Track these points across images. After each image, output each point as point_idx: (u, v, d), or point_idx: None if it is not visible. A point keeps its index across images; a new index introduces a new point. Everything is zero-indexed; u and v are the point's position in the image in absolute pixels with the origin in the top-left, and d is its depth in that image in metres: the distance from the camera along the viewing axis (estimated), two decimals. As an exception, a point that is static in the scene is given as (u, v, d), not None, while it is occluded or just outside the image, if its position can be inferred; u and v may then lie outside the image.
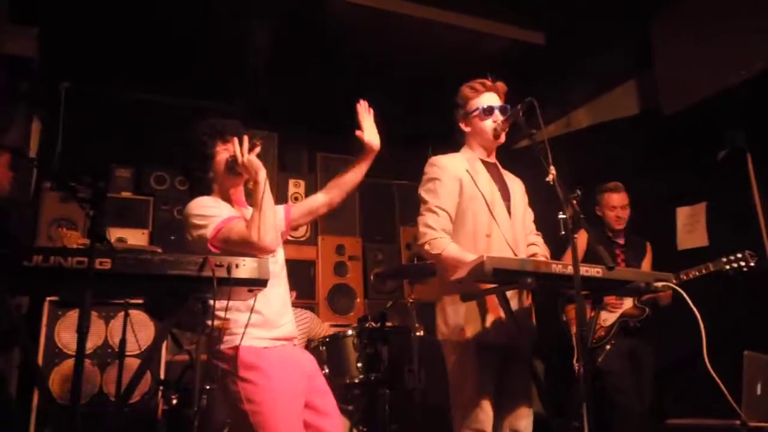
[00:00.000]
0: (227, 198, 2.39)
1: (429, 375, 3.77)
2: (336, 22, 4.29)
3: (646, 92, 4.76)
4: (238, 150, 2.27)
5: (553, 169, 2.23)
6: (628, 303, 3.65)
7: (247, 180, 2.38)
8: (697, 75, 4.07)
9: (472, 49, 4.57)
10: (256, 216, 2.17)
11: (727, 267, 3.30)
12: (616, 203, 3.90)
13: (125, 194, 4.88)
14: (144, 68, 4.94)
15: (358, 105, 2.52)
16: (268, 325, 2.24)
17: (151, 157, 5.13)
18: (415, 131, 5.72)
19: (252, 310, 2.13)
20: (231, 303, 2.12)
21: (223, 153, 2.36)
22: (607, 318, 3.69)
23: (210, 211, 2.23)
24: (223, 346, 2.17)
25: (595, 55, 4.80)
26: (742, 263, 3.27)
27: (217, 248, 2.17)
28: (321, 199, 2.57)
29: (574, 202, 2.18)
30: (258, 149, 2.29)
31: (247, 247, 2.14)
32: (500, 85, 2.73)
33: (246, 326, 2.13)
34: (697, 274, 3.36)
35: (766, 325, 3.17)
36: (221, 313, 2.15)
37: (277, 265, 2.35)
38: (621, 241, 3.93)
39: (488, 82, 2.71)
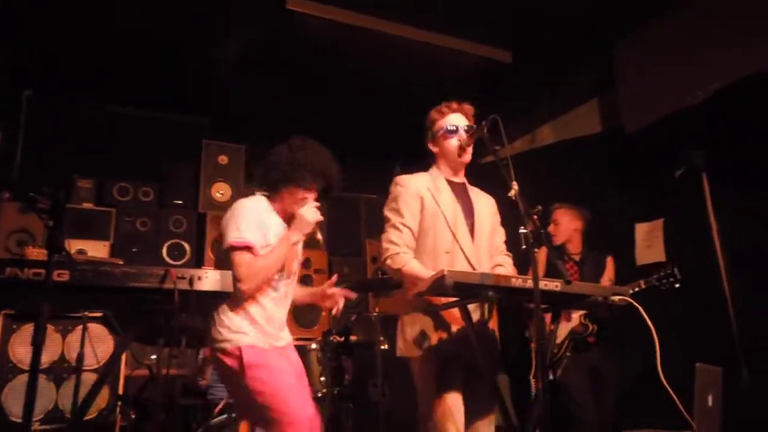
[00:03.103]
0: (284, 211, 2.52)
1: (393, 389, 3.77)
2: (305, 36, 4.30)
3: (609, 110, 4.89)
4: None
5: (515, 185, 2.27)
6: (575, 321, 3.72)
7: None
8: (657, 95, 4.20)
9: (441, 65, 4.63)
10: (262, 265, 2.35)
11: (657, 283, 3.44)
12: (551, 218, 4.09)
13: (87, 205, 4.79)
14: (110, 78, 4.89)
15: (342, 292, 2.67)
16: (266, 337, 2.41)
17: (114, 168, 5.06)
18: (383, 145, 5.76)
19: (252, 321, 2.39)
20: (229, 312, 2.36)
21: (311, 195, 2.50)
22: (558, 334, 3.75)
23: (250, 226, 2.37)
24: (227, 345, 2.33)
25: (561, 73, 4.92)
26: (671, 279, 3.41)
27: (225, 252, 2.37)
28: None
29: (535, 217, 2.22)
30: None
31: (235, 278, 2.33)
32: (467, 107, 2.78)
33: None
34: (631, 291, 3.46)
35: (718, 337, 3.26)
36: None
37: (289, 291, 2.57)
38: (576, 257, 4.02)
39: (455, 104, 2.76)
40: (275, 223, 2.49)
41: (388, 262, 2.58)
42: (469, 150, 2.72)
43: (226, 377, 2.41)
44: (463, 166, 2.79)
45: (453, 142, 2.71)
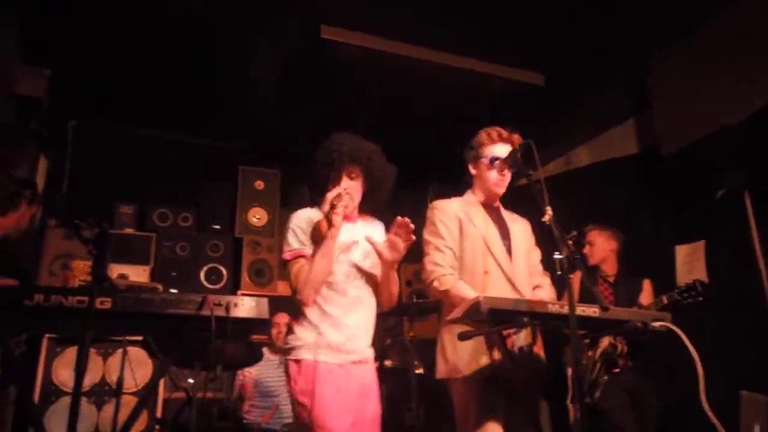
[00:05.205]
0: None
1: (428, 413, 3.74)
2: (340, 63, 4.38)
3: (645, 132, 4.82)
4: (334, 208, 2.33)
5: (549, 210, 2.24)
6: (605, 341, 3.64)
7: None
8: (694, 115, 4.13)
9: (473, 89, 4.64)
10: (309, 270, 2.34)
11: (678, 297, 3.34)
12: (585, 240, 4.02)
13: (128, 231, 4.93)
14: (149, 107, 5.05)
15: (399, 218, 2.46)
16: (333, 350, 2.34)
17: (154, 195, 5.20)
18: (417, 169, 5.77)
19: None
20: (295, 323, 2.38)
21: (343, 182, 2.48)
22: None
23: (300, 236, 2.44)
24: (291, 356, 2.35)
25: (595, 95, 4.89)
26: (693, 293, 3.31)
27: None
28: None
29: (570, 242, 2.20)
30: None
31: (292, 290, 2.38)
32: (516, 137, 2.74)
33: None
34: (654, 307, 3.39)
35: (764, 363, 3.15)
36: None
37: (359, 290, 2.46)
38: (611, 279, 3.95)
39: (505, 133, 2.73)
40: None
41: (435, 284, 2.57)
42: (506, 182, 2.72)
43: (288, 385, 2.41)
44: (498, 196, 2.79)
45: (493, 175, 2.70)
